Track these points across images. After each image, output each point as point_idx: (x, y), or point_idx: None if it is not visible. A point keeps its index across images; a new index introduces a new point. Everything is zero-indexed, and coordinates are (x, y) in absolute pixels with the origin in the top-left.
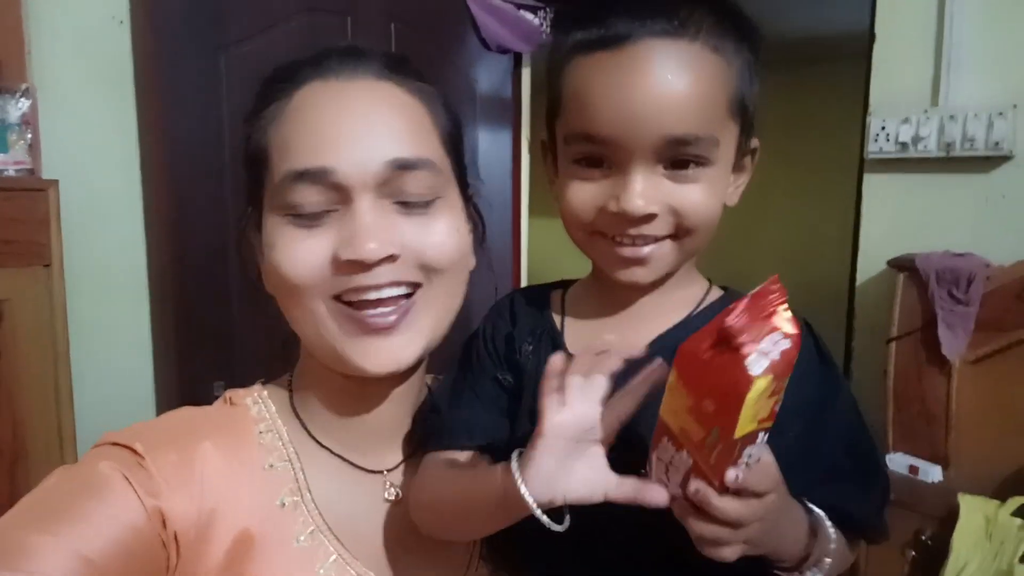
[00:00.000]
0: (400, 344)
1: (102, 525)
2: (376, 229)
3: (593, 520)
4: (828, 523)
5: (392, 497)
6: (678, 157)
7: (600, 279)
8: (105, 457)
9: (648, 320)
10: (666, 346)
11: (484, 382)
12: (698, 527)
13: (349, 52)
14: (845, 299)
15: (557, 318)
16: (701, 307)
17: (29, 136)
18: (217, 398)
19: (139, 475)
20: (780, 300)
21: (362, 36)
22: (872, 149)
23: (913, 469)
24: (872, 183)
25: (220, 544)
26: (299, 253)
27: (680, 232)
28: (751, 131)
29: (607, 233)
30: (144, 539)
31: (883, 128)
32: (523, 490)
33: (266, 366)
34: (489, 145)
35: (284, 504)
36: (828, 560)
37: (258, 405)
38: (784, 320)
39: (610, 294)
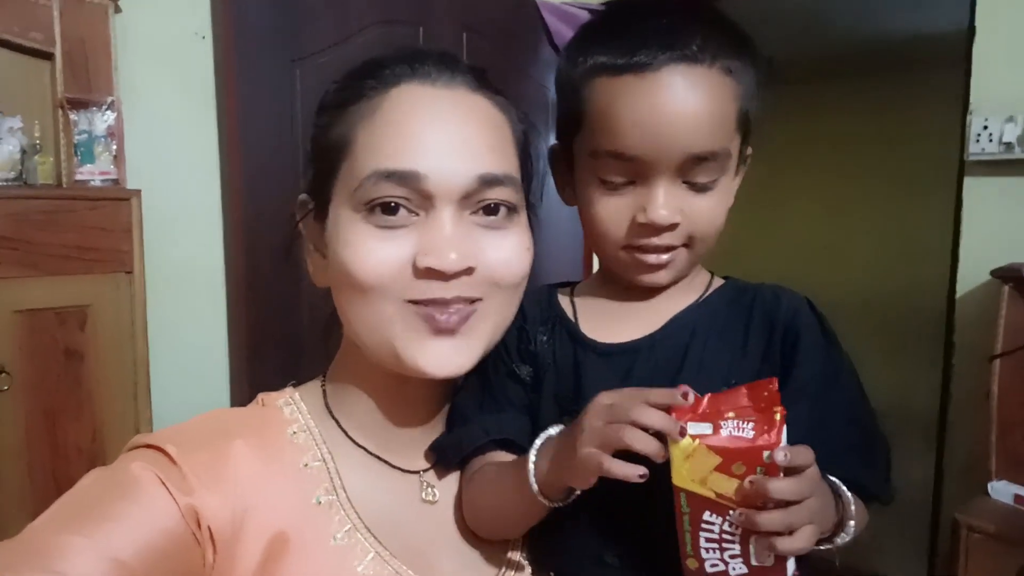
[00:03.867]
0: (460, 348)
1: (135, 526)
2: (457, 240)
3: (632, 524)
4: (843, 487)
5: (430, 499)
6: (697, 171)
7: (610, 278)
8: (138, 459)
9: (659, 306)
10: (679, 328)
11: (503, 380)
12: (767, 520)
13: (445, 59)
14: (943, 312)
15: (568, 310)
16: (707, 293)
17: (114, 147)
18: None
19: (172, 474)
20: (773, 399)
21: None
22: (974, 150)
23: (1019, 499)
24: (974, 187)
25: (255, 545)
26: (375, 255)
27: (692, 240)
28: (749, 140)
29: (634, 244)
30: (178, 539)
31: (985, 127)
32: (531, 468)
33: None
34: None
35: (320, 502)
36: (852, 522)
37: (290, 407)
38: (758, 421)
39: (621, 287)
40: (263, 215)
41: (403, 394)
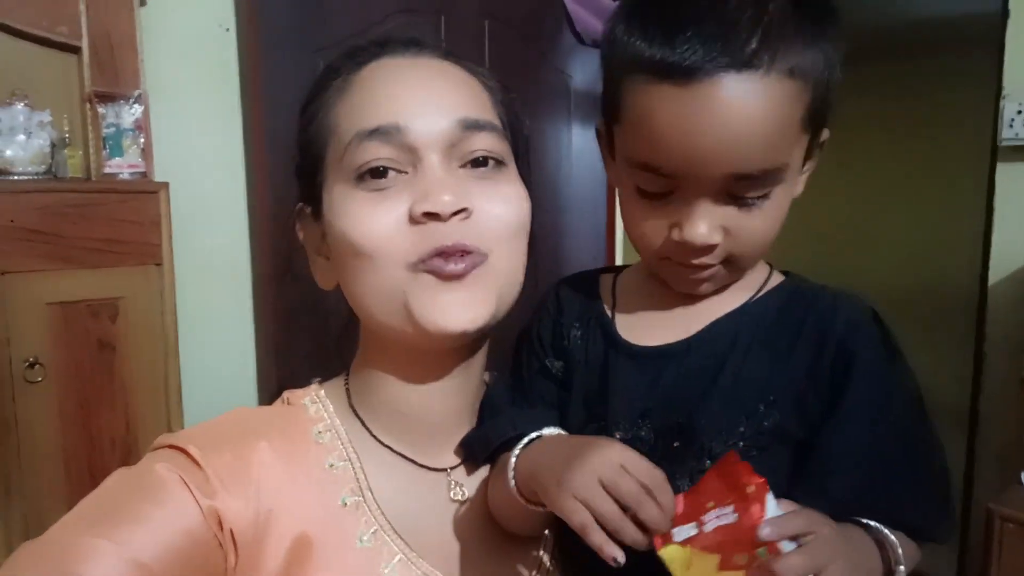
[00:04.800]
0: (472, 299)
1: (158, 529)
2: (450, 184)
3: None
4: (886, 531)
5: (459, 497)
6: (744, 187)
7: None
8: (161, 459)
9: (704, 307)
10: (719, 334)
11: (535, 376)
12: None
13: (411, 39)
14: (975, 302)
15: (607, 304)
16: (760, 294)
17: (142, 140)
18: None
19: (195, 476)
20: (741, 473)
21: (457, 35)
22: (1007, 135)
23: None
24: (1007, 173)
25: (279, 546)
26: (372, 217)
27: (733, 258)
28: (824, 126)
29: (672, 258)
30: (201, 542)
31: (1020, 112)
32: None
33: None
34: (583, 140)
35: (346, 504)
36: (901, 567)
37: (316, 405)
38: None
39: (665, 283)
40: (288, 207)
41: (426, 383)
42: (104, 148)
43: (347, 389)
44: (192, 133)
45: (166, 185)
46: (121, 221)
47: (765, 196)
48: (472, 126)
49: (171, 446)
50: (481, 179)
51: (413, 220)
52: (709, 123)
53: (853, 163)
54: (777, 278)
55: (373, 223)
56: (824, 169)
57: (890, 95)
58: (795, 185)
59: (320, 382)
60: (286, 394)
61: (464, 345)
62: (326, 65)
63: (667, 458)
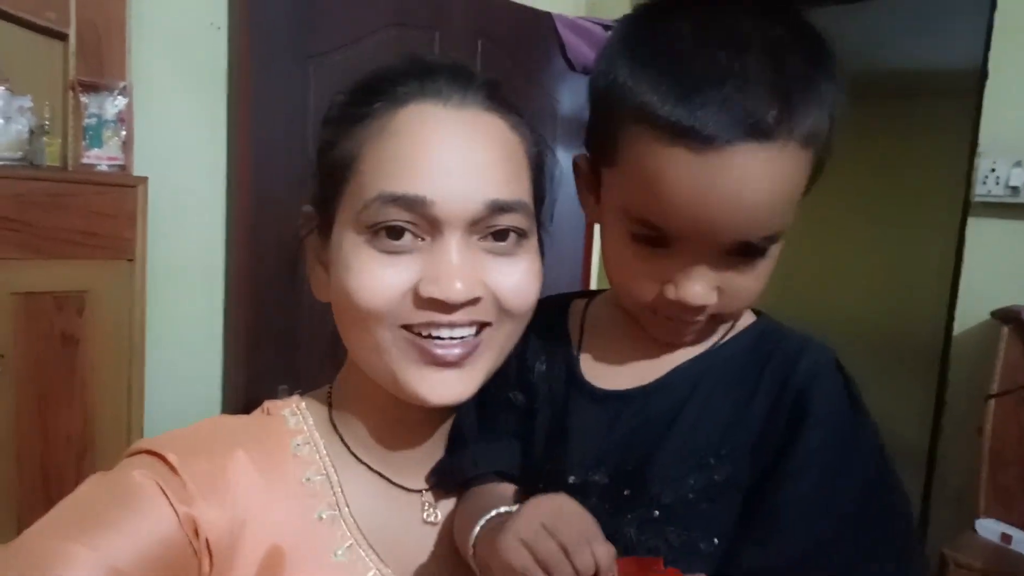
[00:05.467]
0: (462, 378)
1: (135, 536)
2: (464, 270)
3: None
4: None
5: (432, 519)
6: (746, 253)
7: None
8: (138, 466)
9: (672, 347)
10: (681, 379)
11: (499, 407)
12: None
13: (457, 74)
14: (939, 348)
15: (575, 338)
16: (728, 336)
17: (123, 133)
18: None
19: (172, 483)
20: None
21: (450, 52)
22: (980, 192)
23: (1006, 538)
24: (977, 227)
25: (250, 558)
26: (378, 282)
27: (722, 314)
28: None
29: (659, 312)
30: (176, 549)
31: (993, 170)
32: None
33: (330, 373)
34: (567, 166)
35: (322, 518)
36: None
37: (296, 417)
38: None
39: (636, 321)
40: (268, 212)
41: (404, 414)
42: (84, 138)
43: (329, 403)
44: (175, 130)
45: (145, 180)
46: (96, 213)
47: (761, 257)
48: (502, 208)
49: (148, 452)
50: (499, 254)
51: (418, 299)
52: (723, 193)
53: (826, 201)
54: (748, 318)
55: (377, 287)
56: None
57: (866, 139)
58: (782, 243)
59: (302, 394)
60: (266, 404)
61: None
62: (363, 82)
63: (617, 504)
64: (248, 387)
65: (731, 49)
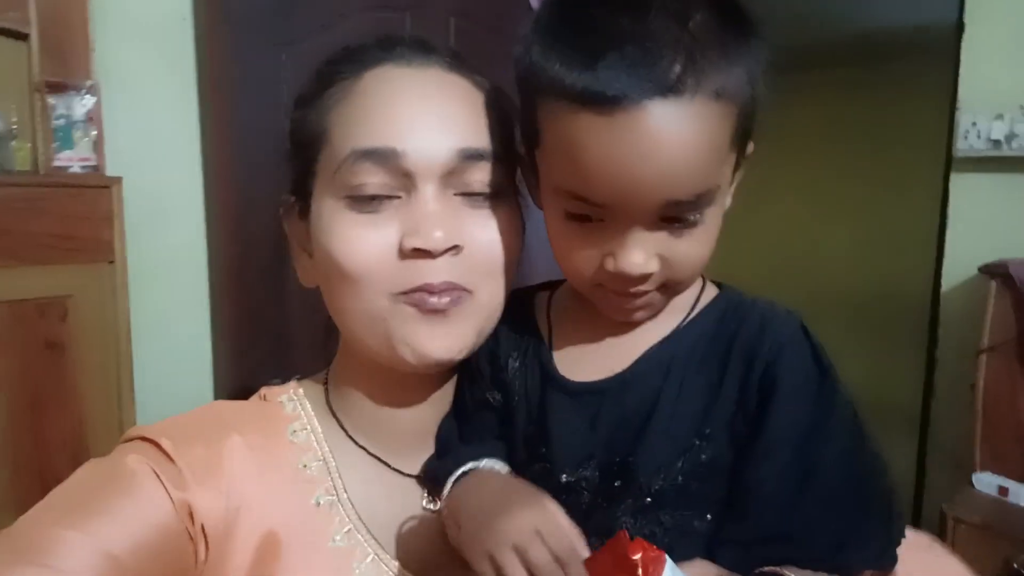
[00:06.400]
0: (451, 332)
1: (129, 521)
2: (442, 218)
3: None
4: None
5: (431, 507)
6: (679, 211)
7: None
8: (133, 451)
9: (639, 333)
10: (653, 365)
11: (478, 408)
12: None
13: (419, 42)
14: (927, 306)
15: (544, 330)
16: (692, 314)
17: (94, 133)
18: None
19: (167, 469)
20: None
21: (422, 32)
22: (962, 147)
23: (1002, 490)
24: (961, 183)
25: (246, 543)
26: (360, 242)
27: (669, 283)
28: (750, 139)
29: (606, 286)
30: (171, 535)
31: (974, 124)
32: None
33: (322, 364)
34: None
35: (320, 503)
36: None
37: (293, 403)
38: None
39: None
40: (248, 203)
41: (402, 394)
42: (54, 140)
43: (326, 388)
44: (147, 126)
45: (119, 180)
46: (71, 216)
47: (698, 219)
48: (472, 156)
49: (143, 438)
50: (476, 208)
51: (402, 253)
52: (637, 153)
53: (808, 168)
54: (710, 292)
55: (360, 248)
56: (779, 174)
57: (846, 102)
58: (725, 202)
59: (299, 379)
60: (263, 390)
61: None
62: (326, 60)
63: (610, 497)
64: (239, 381)
65: (635, 12)
